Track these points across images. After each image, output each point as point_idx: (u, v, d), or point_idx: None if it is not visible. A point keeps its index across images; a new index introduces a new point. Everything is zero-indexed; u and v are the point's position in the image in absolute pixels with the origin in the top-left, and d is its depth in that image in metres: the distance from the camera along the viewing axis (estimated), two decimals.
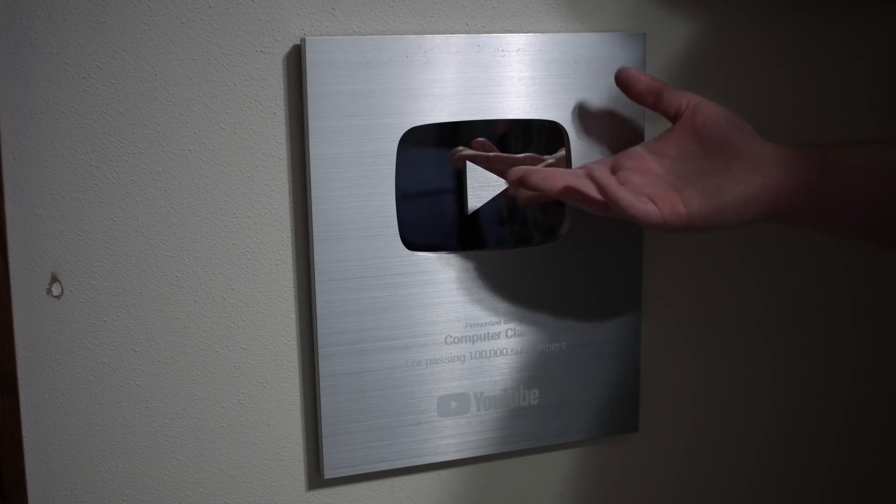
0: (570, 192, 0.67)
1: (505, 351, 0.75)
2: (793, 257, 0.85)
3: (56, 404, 0.68)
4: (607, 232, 0.76)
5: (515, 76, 0.71)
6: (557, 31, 0.73)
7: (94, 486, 0.70)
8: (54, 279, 0.66)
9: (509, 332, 0.75)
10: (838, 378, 0.89)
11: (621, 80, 0.70)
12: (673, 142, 0.68)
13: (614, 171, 0.69)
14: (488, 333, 0.74)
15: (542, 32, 0.73)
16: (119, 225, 0.67)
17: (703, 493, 0.87)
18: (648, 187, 0.65)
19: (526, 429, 0.77)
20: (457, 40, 0.70)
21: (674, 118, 0.69)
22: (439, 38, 0.69)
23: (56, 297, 0.67)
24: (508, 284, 0.74)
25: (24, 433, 0.67)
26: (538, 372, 0.76)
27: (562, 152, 0.74)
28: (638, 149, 0.70)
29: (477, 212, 0.73)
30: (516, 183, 0.69)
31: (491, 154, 0.73)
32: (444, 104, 0.70)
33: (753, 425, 0.87)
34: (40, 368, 0.67)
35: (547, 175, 0.68)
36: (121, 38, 0.64)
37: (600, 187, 0.64)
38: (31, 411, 0.67)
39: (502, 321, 0.74)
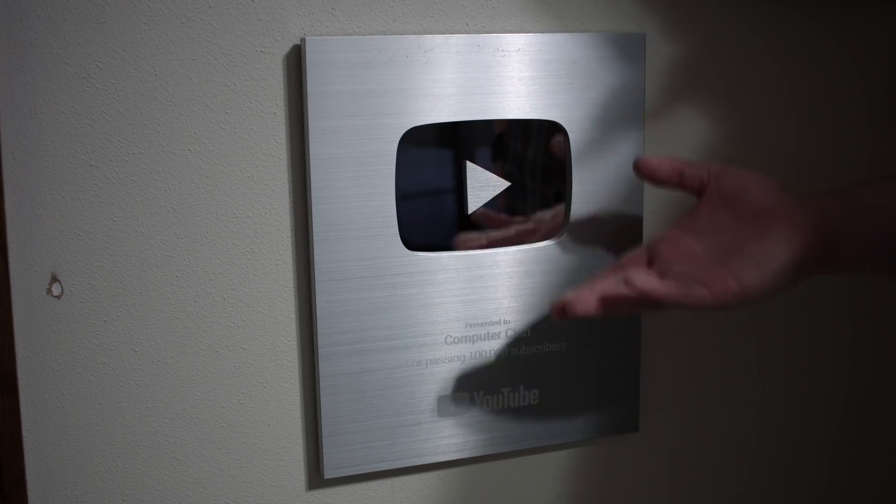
0: (615, 304, 0.65)
1: (505, 351, 0.75)
2: None
3: (56, 404, 0.68)
4: (607, 232, 0.76)
5: (515, 76, 0.71)
6: (557, 31, 0.73)
7: (94, 486, 0.70)
8: (54, 279, 0.66)
9: (509, 332, 0.75)
10: (838, 378, 0.89)
11: (644, 172, 0.68)
12: (705, 216, 0.66)
13: (651, 261, 0.67)
14: (488, 333, 0.74)
15: (542, 32, 0.73)
16: (119, 225, 0.67)
17: (703, 493, 0.87)
18: (695, 271, 0.63)
19: (526, 429, 0.77)
20: (457, 40, 0.70)
21: (699, 192, 0.67)
22: (439, 38, 0.69)
23: (56, 297, 0.67)
24: (508, 284, 0.74)
25: (24, 433, 0.67)
26: (538, 372, 0.76)
27: (561, 207, 0.74)
28: (671, 230, 0.68)
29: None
30: (560, 315, 0.66)
31: (495, 226, 0.73)
32: (444, 104, 0.70)
33: (753, 425, 0.87)
34: (40, 368, 0.67)
35: (586, 301, 0.65)
36: (121, 38, 0.64)
37: (642, 294, 0.62)
38: (31, 411, 0.67)
39: (502, 321, 0.74)
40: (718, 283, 0.62)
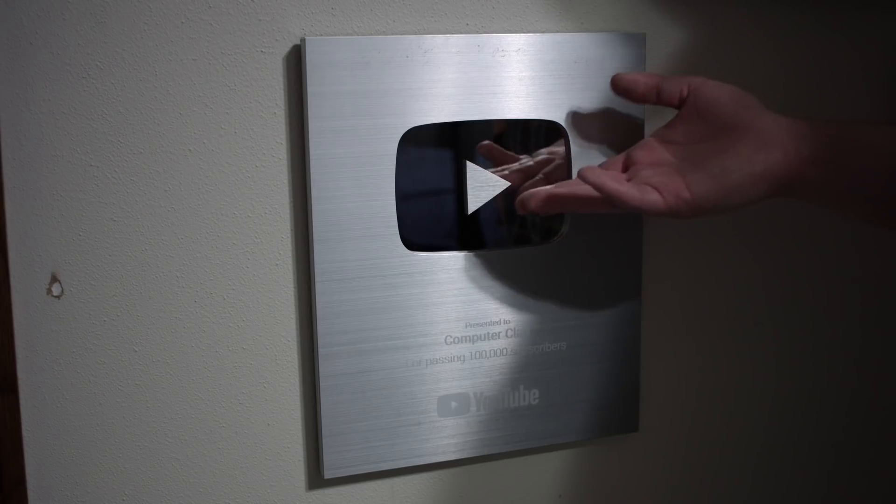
0: (566, 201, 0.67)
1: (505, 351, 0.75)
2: (793, 257, 0.85)
3: (56, 404, 0.68)
4: (607, 232, 0.76)
5: (515, 76, 0.71)
6: (557, 31, 0.73)
7: (94, 486, 0.70)
8: (54, 279, 0.66)
9: (509, 332, 0.75)
10: (839, 377, 0.89)
11: (620, 88, 0.70)
12: (681, 127, 0.68)
13: (627, 166, 0.69)
14: (488, 333, 0.74)
15: (542, 32, 0.73)
16: (119, 225, 0.67)
17: (703, 493, 0.87)
18: (655, 177, 0.65)
19: (526, 429, 0.77)
20: (457, 40, 0.70)
21: (679, 106, 0.69)
22: (439, 38, 0.69)
23: (56, 297, 0.67)
24: (508, 284, 0.74)
25: (24, 433, 0.67)
26: (538, 372, 0.76)
27: (559, 146, 0.74)
28: (649, 140, 0.69)
29: (477, 212, 0.73)
30: (522, 209, 0.70)
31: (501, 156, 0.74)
32: (444, 104, 0.70)
33: (753, 425, 0.87)
34: (40, 368, 0.67)
35: (538, 197, 0.68)
36: (121, 38, 0.64)
37: (595, 186, 0.64)
38: (31, 411, 0.67)
39: (502, 321, 0.74)
40: (672, 191, 0.63)
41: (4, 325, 0.64)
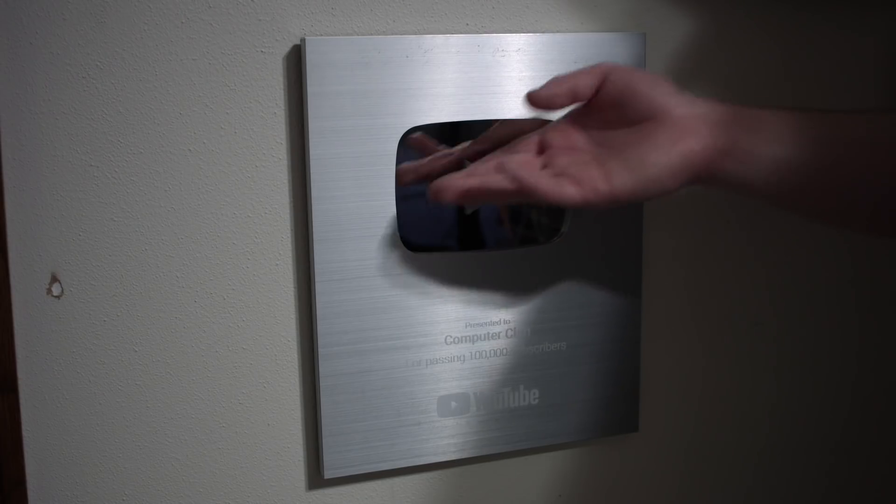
0: (482, 194, 0.64)
1: (505, 351, 0.75)
2: (793, 257, 0.85)
3: (56, 404, 0.68)
4: (607, 232, 0.76)
5: (515, 76, 0.71)
6: (557, 31, 0.73)
7: (94, 486, 0.70)
8: (54, 279, 0.66)
9: (509, 332, 0.75)
10: (838, 377, 0.89)
11: (541, 105, 0.65)
12: (596, 112, 0.65)
13: (542, 149, 0.66)
14: (488, 333, 0.74)
15: (542, 32, 0.73)
16: (119, 225, 0.67)
17: (703, 493, 0.87)
18: (572, 167, 0.63)
19: (526, 429, 0.77)
20: (457, 40, 0.70)
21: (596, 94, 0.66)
22: (439, 38, 0.69)
23: (56, 297, 0.67)
24: (508, 284, 0.74)
25: (24, 433, 0.67)
26: (538, 372, 0.76)
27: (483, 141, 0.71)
28: (563, 122, 0.67)
29: (477, 212, 0.73)
30: (435, 199, 0.65)
31: (430, 157, 0.71)
32: (444, 104, 0.70)
33: (753, 425, 0.87)
34: (40, 368, 0.67)
35: (455, 188, 0.64)
36: (121, 38, 0.64)
37: (514, 178, 0.62)
38: (31, 411, 0.67)
39: (502, 321, 0.74)
40: (588, 182, 0.62)
41: (4, 325, 0.64)
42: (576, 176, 0.62)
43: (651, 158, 0.61)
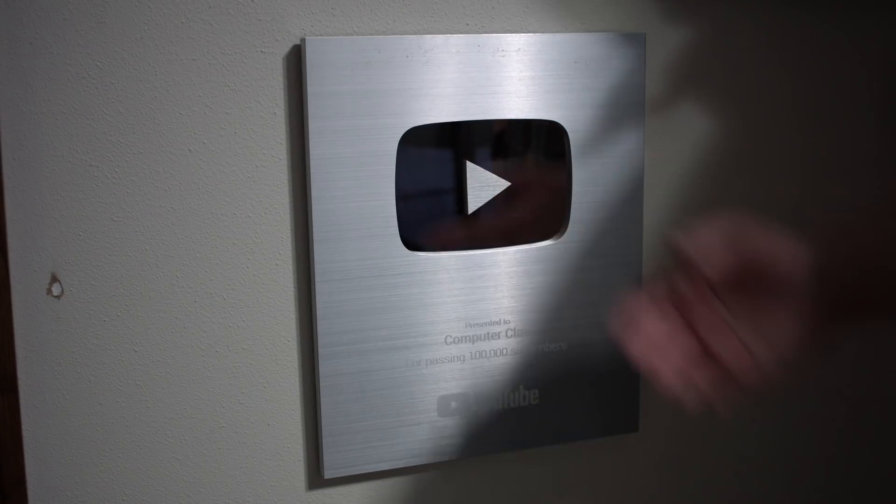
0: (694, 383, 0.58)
1: (505, 351, 0.75)
2: None
3: (56, 404, 0.68)
4: (607, 232, 0.76)
5: (515, 76, 0.71)
6: (557, 31, 0.73)
7: (94, 486, 0.70)
8: (54, 279, 0.66)
9: (509, 332, 0.75)
10: (838, 377, 0.89)
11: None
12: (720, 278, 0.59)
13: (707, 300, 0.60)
14: (488, 333, 0.74)
15: (542, 32, 0.73)
16: (119, 225, 0.67)
17: (702, 493, 0.87)
18: (727, 354, 0.58)
19: (526, 429, 0.77)
20: (457, 40, 0.70)
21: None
22: (439, 38, 0.69)
23: (56, 297, 0.67)
24: (508, 284, 0.74)
25: (24, 433, 0.67)
26: (538, 372, 0.76)
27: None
28: (702, 283, 0.60)
29: (477, 212, 0.73)
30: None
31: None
32: (444, 104, 0.70)
33: (753, 425, 0.87)
34: (40, 368, 0.67)
35: (666, 375, 0.58)
36: (121, 38, 0.64)
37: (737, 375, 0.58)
38: (31, 411, 0.67)
39: (502, 321, 0.74)
40: (746, 378, 0.58)
41: (4, 325, 0.64)
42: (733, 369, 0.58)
43: (778, 336, 0.58)
